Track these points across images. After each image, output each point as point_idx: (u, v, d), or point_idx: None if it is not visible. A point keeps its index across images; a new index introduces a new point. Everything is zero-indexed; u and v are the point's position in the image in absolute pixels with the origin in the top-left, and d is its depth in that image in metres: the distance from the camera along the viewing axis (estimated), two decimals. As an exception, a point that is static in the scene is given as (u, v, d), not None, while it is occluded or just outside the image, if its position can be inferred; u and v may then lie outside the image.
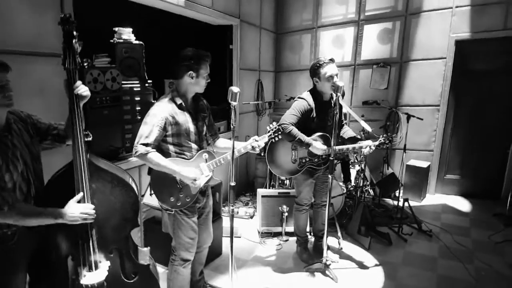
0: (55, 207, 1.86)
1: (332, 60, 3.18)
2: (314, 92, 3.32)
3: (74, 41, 1.89)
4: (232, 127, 2.29)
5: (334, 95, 3.09)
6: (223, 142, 2.87)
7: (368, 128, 3.24)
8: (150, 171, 2.54)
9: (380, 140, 3.24)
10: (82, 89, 1.94)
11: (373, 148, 3.20)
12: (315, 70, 3.23)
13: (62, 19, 1.86)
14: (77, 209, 1.86)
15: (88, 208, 1.89)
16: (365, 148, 3.20)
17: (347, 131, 3.53)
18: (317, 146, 3.21)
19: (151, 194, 2.59)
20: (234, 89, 2.25)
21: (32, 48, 2.52)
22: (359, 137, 3.47)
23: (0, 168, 1.76)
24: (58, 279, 1.98)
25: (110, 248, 2.05)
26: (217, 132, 2.91)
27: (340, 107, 3.33)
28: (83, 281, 1.93)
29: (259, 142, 2.65)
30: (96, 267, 1.97)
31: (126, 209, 2.07)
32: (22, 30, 2.45)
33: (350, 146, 3.27)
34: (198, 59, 2.48)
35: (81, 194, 1.90)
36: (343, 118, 3.58)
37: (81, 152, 1.91)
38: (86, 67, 3.20)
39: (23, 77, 2.46)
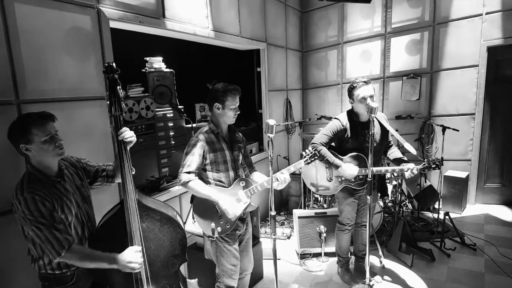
0: (107, 248, 1.95)
1: (366, 82, 3.18)
2: (351, 113, 3.34)
3: (118, 87, 1.98)
4: (270, 158, 2.37)
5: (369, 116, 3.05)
6: (257, 177, 2.89)
7: (413, 151, 3.16)
8: (193, 198, 2.68)
9: (424, 164, 3.14)
10: (126, 135, 2.03)
11: (416, 172, 3.08)
12: (350, 92, 3.25)
13: (107, 68, 1.96)
14: (130, 257, 1.93)
15: (138, 258, 1.95)
16: (407, 171, 3.09)
17: (394, 152, 3.45)
18: (346, 168, 3.20)
19: (193, 222, 2.70)
20: (271, 122, 2.32)
21: (76, 93, 2.65)
22: (405, 158, 3.35)
23: (56, 211, 1.86)
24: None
25: (161, 283, 2.13)
26: (252, 165, 2.99)
27: (383, 127, 3.32)
28: None
29: (284, 175, 2.67)
30: None
31: (174, 246, 2.16)
32: (67, 79, 2.58)
33: (390, 168, 3.24)
34: (224, 91, 2.63)
35: (139, 248, 1.97)
36: (390, 139, 3.50)
37: (131, 194, 1.99)
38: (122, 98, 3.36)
39: (69, 122, 2.59)
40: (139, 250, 1.97)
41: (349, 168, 3.21)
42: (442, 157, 4.41)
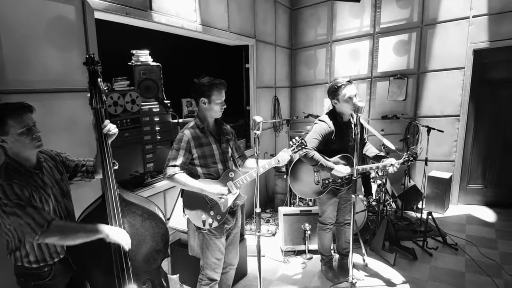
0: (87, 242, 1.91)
1: (350, 82, 3.19)
2: (334, 114, 3.32)
3: (99, 80, 1.95)
4: (256, 155, 2.36)
5: (354, 115, 3.09)
6: (251, 162, 2.94)
7: (391, 146, 3.21)
8: (182, 192, 2.67)
9: (404, 158, 3.23)
10: (110, 128, 2.01)
11: (398, 166, 3.17)
12: (333, 92, 3.22)
13: (87, 60, 1.92)
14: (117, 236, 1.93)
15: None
16: (389, 167, 3.17)
17: (370, 149, 3.52)
18: (340, 169, 3.21)
19: (184, 215, 2.69)
20: (257, 118, 2.32)
21: (59, 85, 2.59)
22: (382, 154, 3.43)
23: (34, 200, 1.82)
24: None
25: (143, 278, 2.11)
26: (245, 154, 3.01)
27: (361, 125, 3.34)
28: None
29: (285, 155, 2.73)
30: None
31: (156, 241, 2.15)
32: (50, 70, 2.53)
33: (374, 166, 3.27)
34: (210, 86, 2.61)
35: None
36: (365, 136, 3.56)
37: (112, 189, 1.97)
38: (106, 91, 3.31)
39: (51, 114, 2.54)
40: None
41: (343, 168, 3.23)
42: (426, 158, 4.49)
